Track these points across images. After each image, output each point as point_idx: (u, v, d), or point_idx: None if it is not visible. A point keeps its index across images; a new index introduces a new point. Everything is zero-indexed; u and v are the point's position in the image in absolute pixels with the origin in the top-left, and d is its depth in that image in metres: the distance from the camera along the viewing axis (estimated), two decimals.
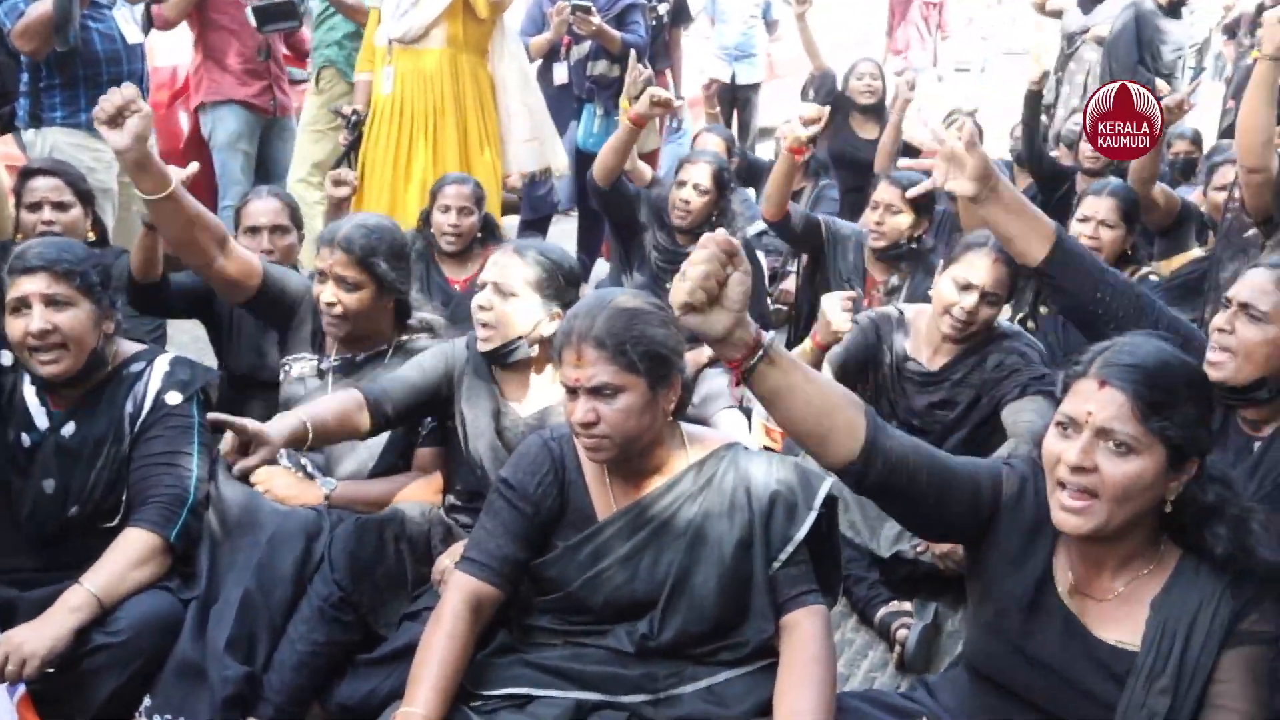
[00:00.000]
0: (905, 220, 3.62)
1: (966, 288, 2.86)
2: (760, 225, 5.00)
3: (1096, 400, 1.56)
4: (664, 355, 1.85)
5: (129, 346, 2.37)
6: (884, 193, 3.64)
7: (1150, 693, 1.54)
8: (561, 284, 2.41)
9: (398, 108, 4.20)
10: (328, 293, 2.56)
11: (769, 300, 4.68)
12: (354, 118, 4.29)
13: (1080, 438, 1.56)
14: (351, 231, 2.57)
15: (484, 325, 2.36)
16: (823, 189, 5.12)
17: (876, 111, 5.67)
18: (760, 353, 1.51)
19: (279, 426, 2.08)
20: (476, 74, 4.28)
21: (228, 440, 1.97)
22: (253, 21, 4.63)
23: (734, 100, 7.17)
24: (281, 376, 2.74)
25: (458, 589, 1.91)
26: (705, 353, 3.79)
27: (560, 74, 5.28)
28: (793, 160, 3.70)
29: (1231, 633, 1.54)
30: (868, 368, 3.05)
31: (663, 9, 5.80)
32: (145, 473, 2.26)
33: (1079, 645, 1.64)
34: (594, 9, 4.94)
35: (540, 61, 5.33)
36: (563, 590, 1.95)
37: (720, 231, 1.47)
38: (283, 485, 2.51)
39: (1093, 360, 1.60)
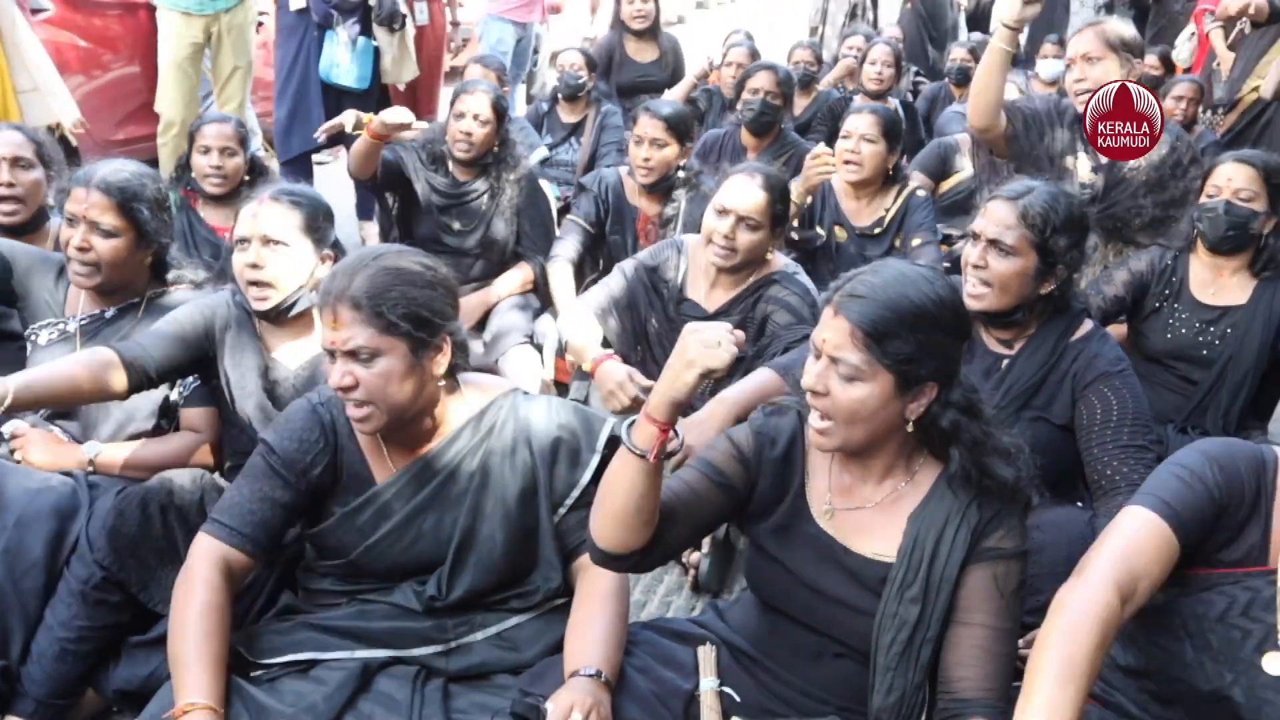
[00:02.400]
0: (672, 151, 3.58)
1: (723, 213, 2.85)
2: (543, 153, 4.95)
3: (830, 328, 1.62)
4: (426, 317, 1.77)
5: None
6: (646, 126, 3.56)
7: (901, 601, 1.62)
8: (324, 224, 2.31)
9: None
10: (78, 237, 2.36)
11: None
12: None
13: (819, 364, 1.63)
14: (110, 174, 2.38)
15: (259, 284, 2.21)
16: (605, 115, 5.03)
17: (652, 33, 5.67)
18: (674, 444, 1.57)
19: None
20: None
21: None
22: None
23: None
24: (29, 349, 2.51)
25: (206, 555, 1.79)
26: (494, 294, 3.72)
27: None
28: None
29: (975, 549, 1.63)
30: (636, 314, 3.04)
31: None
32: None
33: (833, 560, 1.71)
34: None
35: None
36: (344, 558, 1.88)
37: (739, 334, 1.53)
38: (39, 450, 2.31)
39: (837, 289, 1.65)
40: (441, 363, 1.83)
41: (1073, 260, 2.28)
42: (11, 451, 2.32)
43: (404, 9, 5.09)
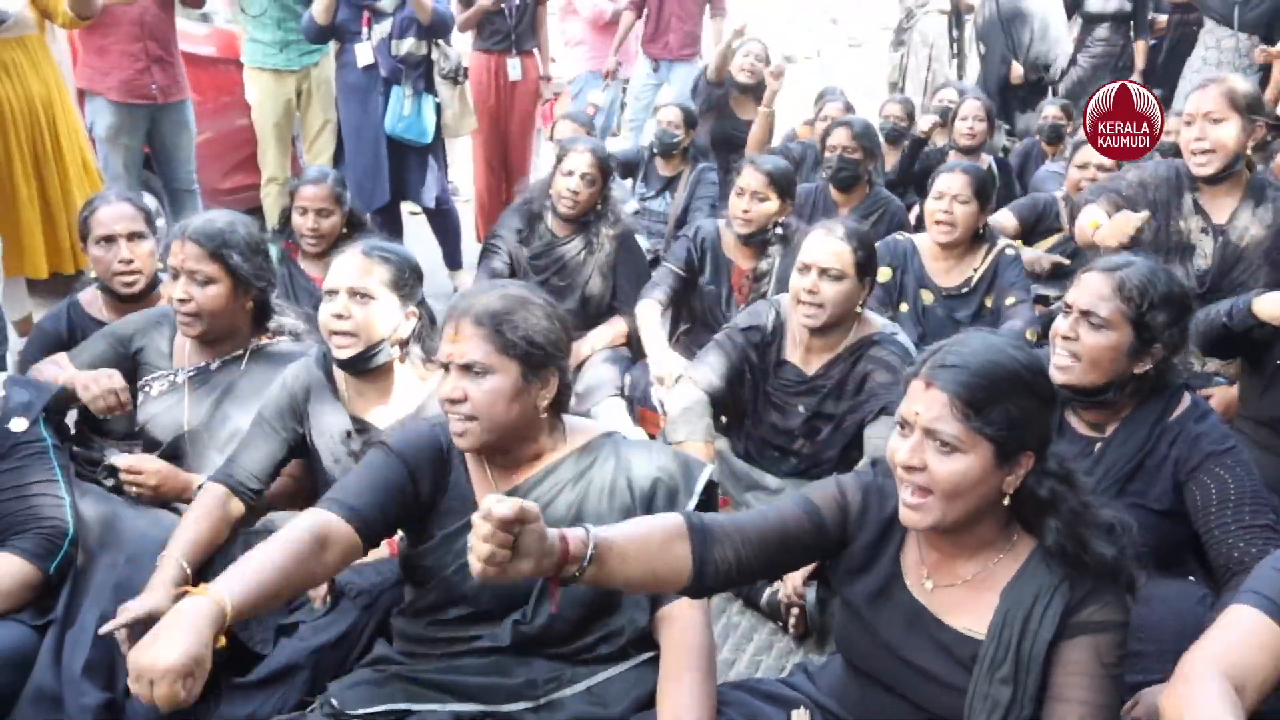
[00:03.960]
0: (773, 206, 3.60)
1: (805, 269, 2.84)
2: (634, 205, 5.01)
3: (923, 401, 1.59)
4: (540, 345, 1.84)
5: None
6: (749, 179, 3.59)
7: (992, 682, 1.57)
8: (412, 281, 2.37)
9: None
10: (180, 289, 2.46)
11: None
12: None
13: (912, 437, 1.60)
14: (202, 225, 2.49)
15: (343, 334, 2.27)
16: (701, 172, 5.10)
17: (756, 92, 5.72)
18: (585, 558, 1.47)
19: (161, 581, 2.01)
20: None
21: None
22: None
23: None
24: (140, 399, 2.61)
25: (308, 515, 1.80)
26: (588, 346, 3.77)
27: (364, 55, 4.92)
28: None
29: (1068, 624, 1.57)
30: (741, 386, 3.02)
31: None
32: (10, 507, 2.15)
33: (924, 632, 1.67)
34: None
35: (334, 44, 5.02)
36: (438, 577, 1.91)
37: (491, 498, 1.39)
38: (153, 474, 2.41)
39: (925, 361, 1.63)
40: (547, 396, 1.88)
41: (1171, 339, 2.15)
42: (122, 485, 2.40)
43: (465, 63, 5.25)
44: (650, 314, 3.64)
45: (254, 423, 2.37)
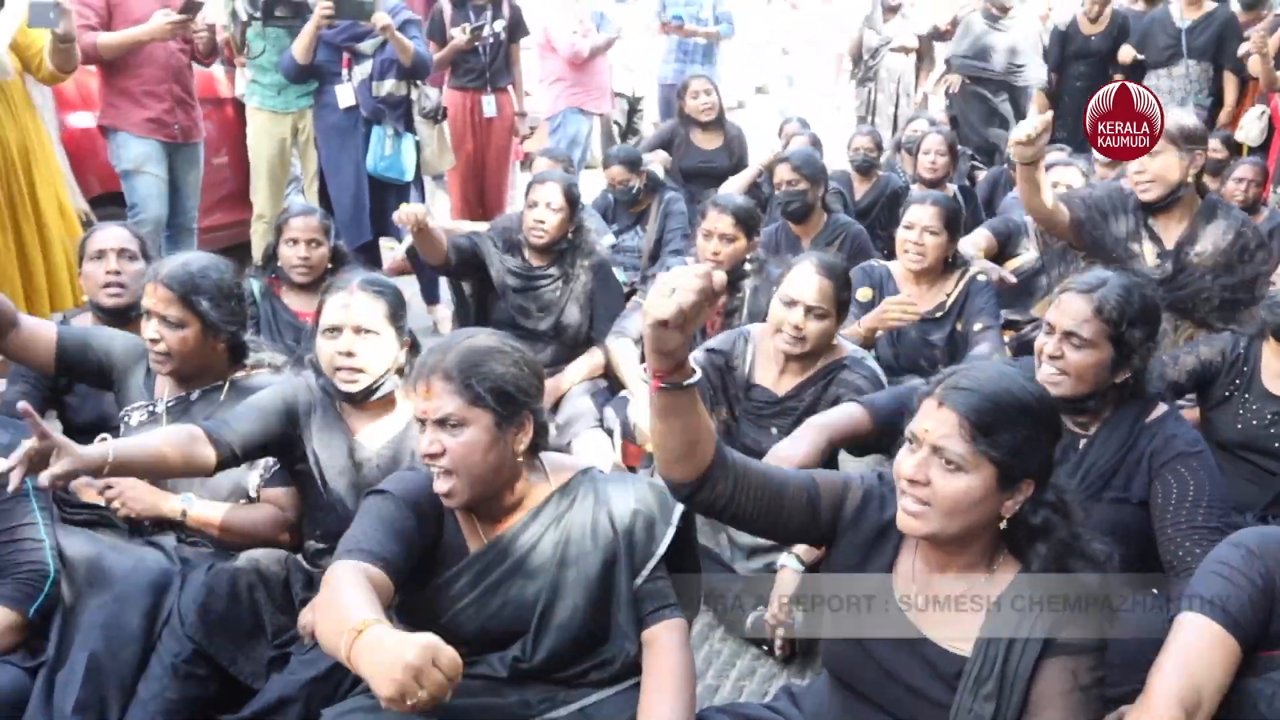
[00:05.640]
0: (741, 245, 3.65)
1: (791, 304, 2.92)
2: (610, 239, 5.07)
3: (934, 419, 1.65)
4: (511, 394, 1.86)
5: None
6: (715, 221, 3.63)
7: (976, 698, 1.62)
8: (403, 311, 2.42)
9: None
10: (150, 329, 2.49)
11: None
12: None
13: (919, 453, 1.66)
14: (175, 269, 2.50)
15: (350, 370, 2.31)
16: (669, 203, 5.15)
17: (719, 122, 5.84)
18: (691, 379, 1.57)
19: (83, 447, 1.98)
20: None
21: (21, 448, 1.87)
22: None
23: None
24: (121, 429, 2.63)
25: (345, 566, 1.74)
26: (566, 379, 3.81)
27: (345, 96, 4.97)
28: None
29: (1047, 644, 1.62)
30: (706, 403, 3.08)
31: (498, 26, 5.82)
32: None
33: (909, 645, 1.72)
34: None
35: (315, 85, 5.08)
36: (435, 623, 1.93)
37: (719, 274, 1.49)
38: (134, 495, 2.42)
39: (940, 381, 1.69)
40: (523, 440, 1.90)
41: (1146, 351, 2.32)
42: (109, 502, 2.42)
43: (444, 103, 5.34)
44: (626, 351, 3.70)
45: (246, 403, 2.36)
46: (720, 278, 1.49)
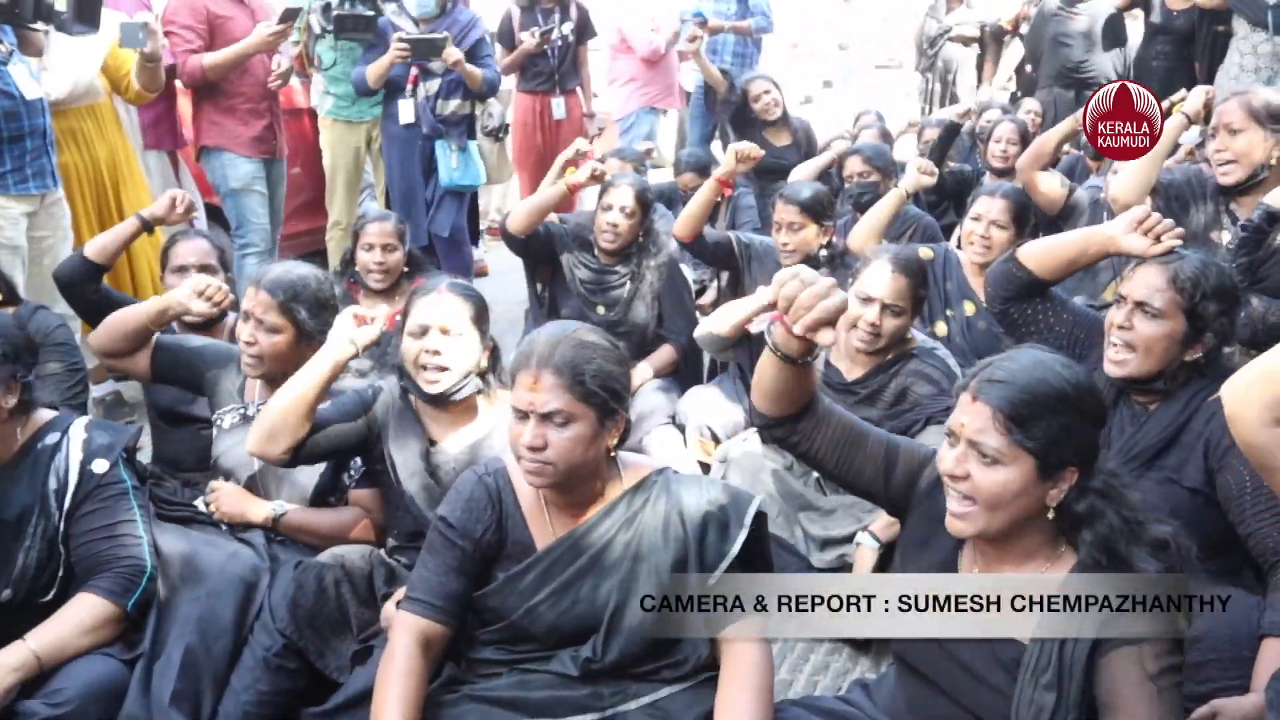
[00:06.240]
0: (810, 233, 3.71)
1: (867, 300, 2.94)
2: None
3: (969, 413, 1.65)
4: (616, 391, 1.91)
5: (40, 415, 2.33)
6: (783, 212, 3.72)
7: (1036, 687, 1.61)
8: (486, 316, 2.46)
9: None
10: (247, 332, 2.59)
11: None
12: None
13: (958, 448, 1.66)
14: (279, 275, 2.61)
15: (436, 369, 2.35)
16: (738, 197, 5.18)
17: (784, 119, 5.81)
18: (815, 354, 1.72)
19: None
20: None
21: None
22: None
23: None
24: (214, 433, 2.74)
25: (406, 629, 1.94)
26: (638, 376, 3.85)
27: (406, 112, 5.09)
28: (718, 189, 3.89)
29: (1108, 636, 1.59)
30: None
31: (566, 28, 5.87)
32: (92, 548, 2.26)
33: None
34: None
35: (383, 94, 5.17)
36: (505, 620, 1.98)
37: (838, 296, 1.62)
38: (229, 502, 2.56)
39: (974, 375, 1.69)
40: (616, 437, 1.95)
41: (1221, 328, 2.24)
42: (207, 504, 2.58)
43: (514, 105, 5.43)
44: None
45: (327, 405, 2.42)
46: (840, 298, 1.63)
